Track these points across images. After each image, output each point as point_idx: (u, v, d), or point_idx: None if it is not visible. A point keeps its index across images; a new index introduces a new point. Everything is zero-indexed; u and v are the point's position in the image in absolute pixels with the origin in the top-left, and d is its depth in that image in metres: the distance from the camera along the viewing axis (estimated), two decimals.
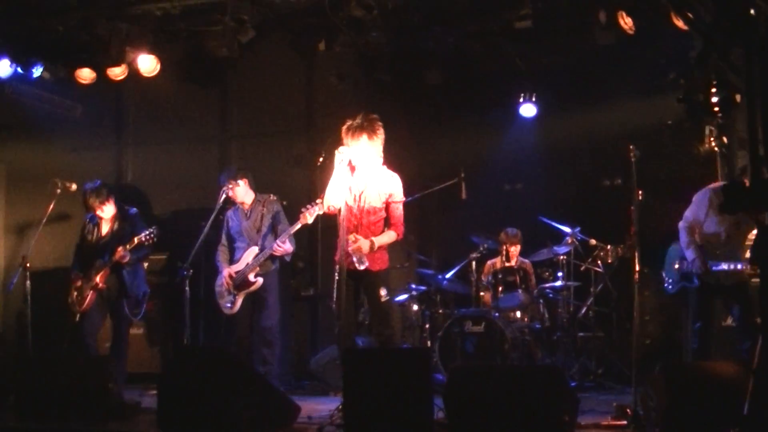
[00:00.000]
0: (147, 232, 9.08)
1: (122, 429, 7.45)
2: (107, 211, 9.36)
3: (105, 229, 9.43)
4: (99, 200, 9.24)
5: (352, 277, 7.73)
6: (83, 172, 11.00)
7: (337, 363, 8.58)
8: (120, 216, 9.44)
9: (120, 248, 9.08)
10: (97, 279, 9.17)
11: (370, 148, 7.73)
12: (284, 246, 9.19)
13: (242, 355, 9.01)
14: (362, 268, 7.63)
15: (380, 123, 7.76)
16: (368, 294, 7.92)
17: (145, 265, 10.76)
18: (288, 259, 9.60)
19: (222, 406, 6.90)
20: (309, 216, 8.65)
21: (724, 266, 7.94)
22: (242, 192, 9.47)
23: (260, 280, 9.26)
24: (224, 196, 9.32)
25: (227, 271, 9.39)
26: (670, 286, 8.49)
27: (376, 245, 7.73)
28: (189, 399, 7.04)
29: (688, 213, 8.25)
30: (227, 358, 7.29)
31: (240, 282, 9.30)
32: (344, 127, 7.75)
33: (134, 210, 9.56)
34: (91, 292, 9.18)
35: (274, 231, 9.44)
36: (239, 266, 9.35)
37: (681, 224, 8.26)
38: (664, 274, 8.55)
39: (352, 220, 7.77)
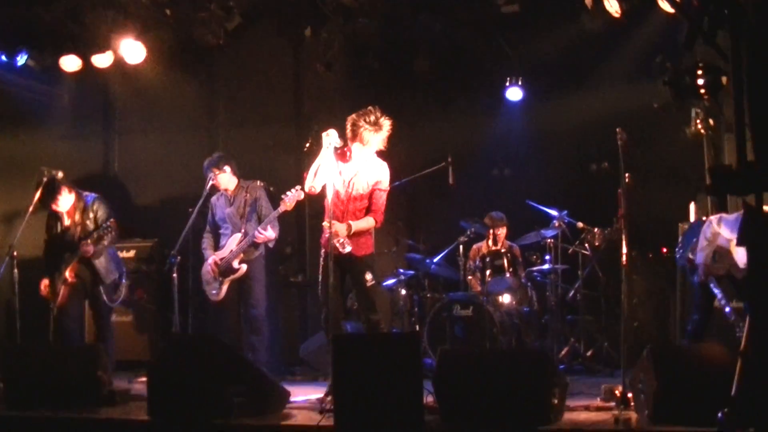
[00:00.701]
0: (104, 227, 8.93)
1: (112, 416, 7.43)
2: (63, 204, 9.18)
3: (67, 221, 9.26)
4: (50, 196, 9.09)
5: (338, 263, 7.76)
6: (70, 161, 11.00)
7: (326, 349, 8.60)
8: (80, 205, 9.25)
9: (83, 243, 9.00)
10: (67, 274, 9.08)
11: (375, 146, 7.80)
12: (265, 233, 9.17)
13: (231, 342, 9.01)
14: (346, 251, 7.68)
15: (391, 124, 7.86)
16: (354, 279, 7.96)
17: (133, 253, 10.80)
18: (271, 245, 9.58)
19: (212, 393, 6.92)
20: (289, 202, 8.70)
21: (717, 292, 7.79)
22: (226, 179, 9.47)
23: (244, 267, 9.26)
24: (210, 183, 9.32)
25: (212, 258, 9.39)
26: (678, 255, 8.47)
27: (353, 228, 7.77)
28: (179, 386, 7.05)
29: (734, 221, 7.63)
30: (217, 345, 7.29)
31: (225, 269, 9.29)
32: (371, 117, 7.78)
33: (92, 196, 9.34)
34: (63, 286, 9.12)
35: (258, 217, 9.44)
36: (223, 253, 9.35)
37: (714, 222, 7.80)
38: (680, 238, 8.47)
39: (339, 206, 7.82)
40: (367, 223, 7.91)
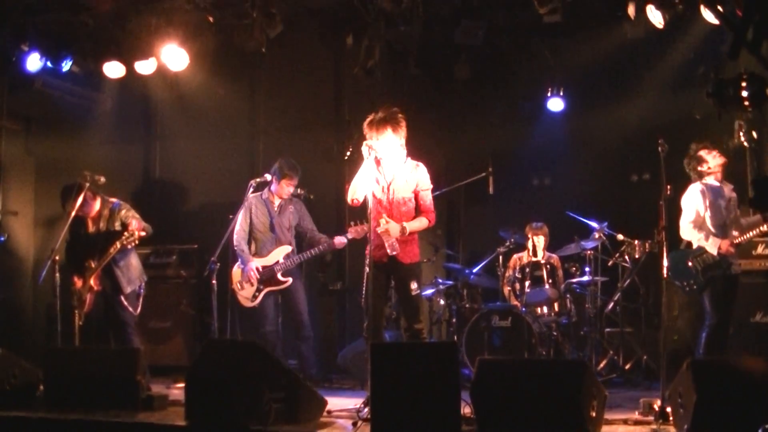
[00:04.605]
0: (125, 236, 8.84)
1: (150, 421, 7.46)
2: (85, 209, 9.13)
3: (92, 227, 9.24)
4: (73, 200, 8.94)
5: (384, 270, 7.77)
6: (112, 166, 11.09)
7: (364, 357, 8.61)
8: (105, 213, 9.22)
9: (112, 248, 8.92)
10: (92, 282, 9.08)
11: (395, 141, 7.77)
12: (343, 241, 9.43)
13: (269, 348, 9.03)
14: (394, 253, 7.66)
15: (402, 115, 7.81)
16: (399, 287, 7.95)
17: (173, 258, 10.85)
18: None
19: (249, 399, 6.93)
20: (350, 236, 8.94)
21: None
22: (292, 190, 9.53)
23: (290, 279, 9.32)
24: (251, 189, 9.32)
25: (254, 263, 9.39)
26: (687, 289, 8.37)
27: (408, 230, 7.77)
28: (217, 392, 7.07)
29: (697, 210, 8.20)
30: (255, 351, 7.30)
31: (267, 278, 9.32)
32: (367, 122, 7.80)
33: (117, 203, 9.29)
34: (89, 294, 9.12)
35: (297, 232, 9.53)
36: (267, 261, 9.36)
37: (690, 226, 8.19)
38: (677, 282, 8.41)
39: (382, 213, 7.80)
40: (421, 223, 7.93)
